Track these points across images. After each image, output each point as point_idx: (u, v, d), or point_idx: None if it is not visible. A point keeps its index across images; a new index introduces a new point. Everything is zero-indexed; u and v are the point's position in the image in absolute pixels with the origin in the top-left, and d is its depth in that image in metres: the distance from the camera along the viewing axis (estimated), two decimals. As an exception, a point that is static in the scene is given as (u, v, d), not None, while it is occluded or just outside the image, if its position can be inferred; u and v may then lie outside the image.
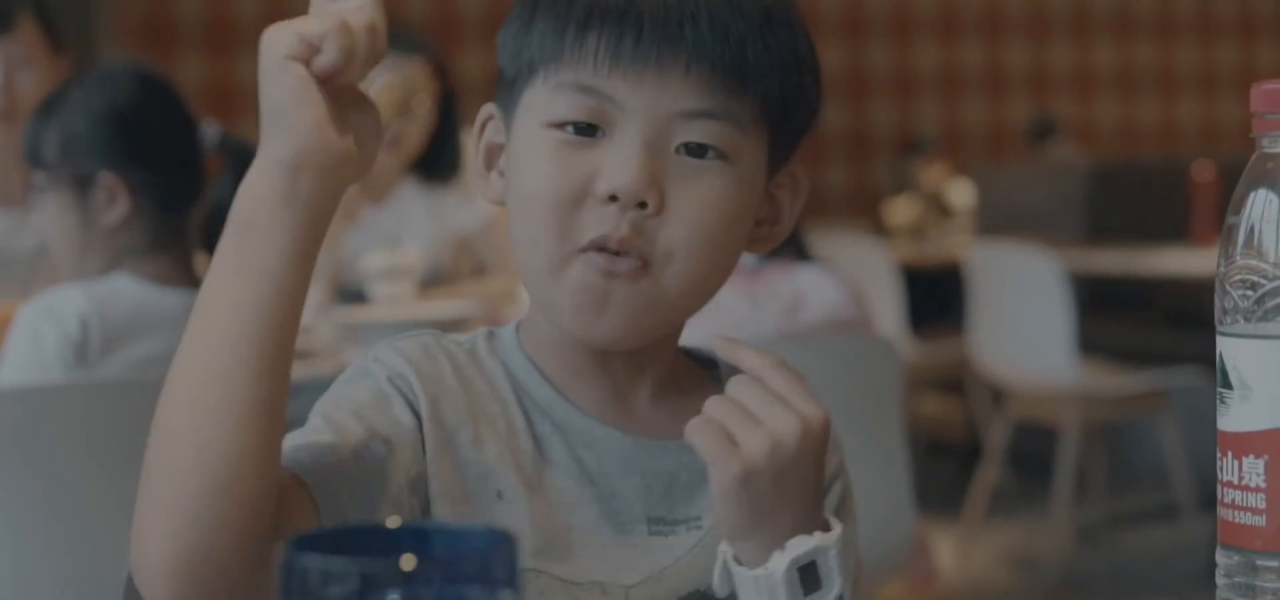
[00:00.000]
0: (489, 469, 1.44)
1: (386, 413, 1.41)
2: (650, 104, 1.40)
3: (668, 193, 1.41)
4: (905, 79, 10.82)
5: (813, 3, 10.43)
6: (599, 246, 1.40)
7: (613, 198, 1.39)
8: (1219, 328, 1.18)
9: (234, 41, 9.13)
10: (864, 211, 9.77)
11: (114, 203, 2.66)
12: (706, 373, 1.59)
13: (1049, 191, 7.88)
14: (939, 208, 9.07)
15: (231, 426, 1.23)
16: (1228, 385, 1.17)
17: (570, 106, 1.41)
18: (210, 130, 2.79)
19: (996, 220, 7.91)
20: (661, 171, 1.41)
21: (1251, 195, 1.17)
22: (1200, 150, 8.01)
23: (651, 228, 1.41)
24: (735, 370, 1.49)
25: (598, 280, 1.40)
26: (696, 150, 1.42)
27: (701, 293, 1.47)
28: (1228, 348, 1.17)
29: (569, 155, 1.41)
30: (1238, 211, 1.17)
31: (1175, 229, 6.77)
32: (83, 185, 2.67)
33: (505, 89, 1.50)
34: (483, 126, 1.55)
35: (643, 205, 1.39)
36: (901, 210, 9.10)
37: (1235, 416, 1.17)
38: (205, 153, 2.79)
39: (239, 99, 8.97)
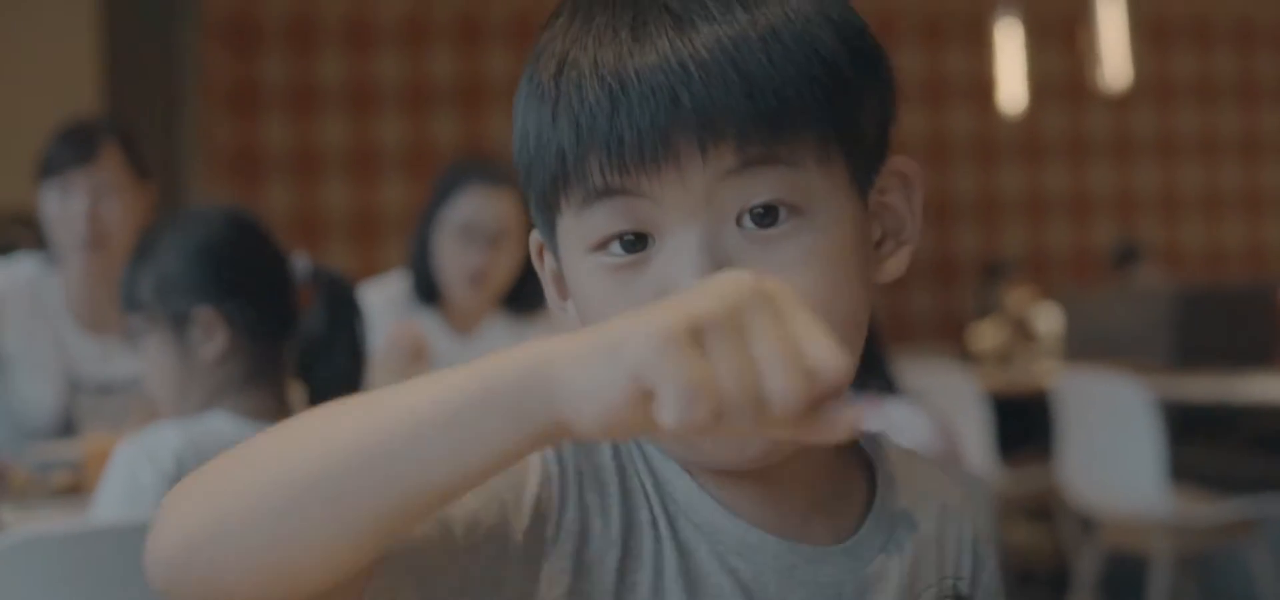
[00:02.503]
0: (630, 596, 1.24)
1: (512, 501, 1.19)
2: (684, 193, 1.19)
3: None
4: (989, 203, 10.81)
5: (897, 132, 10.44)
6: None
7: None
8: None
9: (319, 169, 9.23)
10: (950, 337, 9.74)
11: (211, 337, 2.68)
12: (863, 462, 1.39)
13: (1135, 317, 7.84)
14: (1025, 333, 9.03)
15: (338, 530, 1.02)
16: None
17: (603, 219, 1.22)
18: (301, 262, 2.82)
19: (1083, 345, 7.87)
20: (734, 259, 1.20)
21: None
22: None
23: None
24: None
25: None
26: (763, 216, 1.20)
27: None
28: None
29: (626, 281, 1.22)
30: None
31: (1263, 353, 6.72)
32: (180, 323, 2.70)
33: (537, 216, 1.31)
34: (540, 257, 1.37)
35: None
36: (987, 335, 9.08)
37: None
38: (297, 284, 2.81)
39: (323, 226, 9.06)
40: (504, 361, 0.98)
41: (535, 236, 1.36)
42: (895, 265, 1.32)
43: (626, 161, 1.19)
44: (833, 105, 1.22)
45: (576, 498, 1.23)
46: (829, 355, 0.92)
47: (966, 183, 10.76)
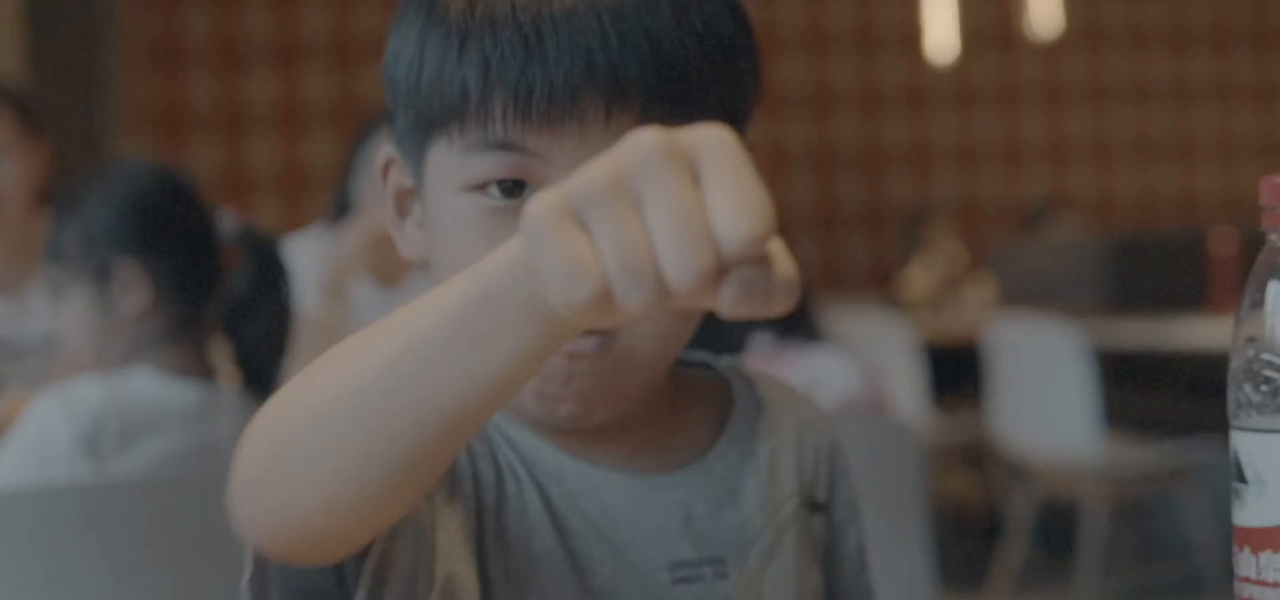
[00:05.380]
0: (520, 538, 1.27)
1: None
2: (577, 155, 1.18)
3: None
4: (920, 152, 10.82)
5: (827, 81, 10.45)
6: None
7: None
8: (1233, 422, 1.16)
9: (246, 126, 9.16)
10: (881, 285, 9.75)
11: (133, 290, 2.66)
12: (705, 377, 1.43)
13: (1068, 263, 7.87)
14: (955, 278, 9.05)
15: (372, 468, 0.99)
16: (1242, 479, 1.15)
17: (489, 166, 1.22)
18: (229, 221, 2.79)
19: (1016, 292, 7.89)
20: None
21: (1263, 288, 1.15)
22: (1220, 216, 8.00)
23: None
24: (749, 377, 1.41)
25: (560, 362, 1.24)
26: None
27: (678, 343, 1.30)
28: (1242, 442, 1.15)
29: (500, 224, 1.21)
30: (1250, 305, 1.16)
31: (1195, 298, 6.75)
32: (102, 276, 2.67)
33: (403, 134, 1.30)
34: (386, 170, 1.36)
35: None
36: (917, 281, 9.09)
37: (1252, 511, 1.15)
38: (223, 243, 2.79)
39: (250, 182, 9.00)
40: (494, 261, 0.92)
41: (385, 153, 1.36)
42: None
43: (532, 114, 1.20)
44: (726, 88, 1.25)
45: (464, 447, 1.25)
46: (739, 219, 0.82)
47: (897, 131, 10.75)
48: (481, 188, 1.23)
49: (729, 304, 0.83)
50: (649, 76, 1.20)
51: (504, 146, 1.21)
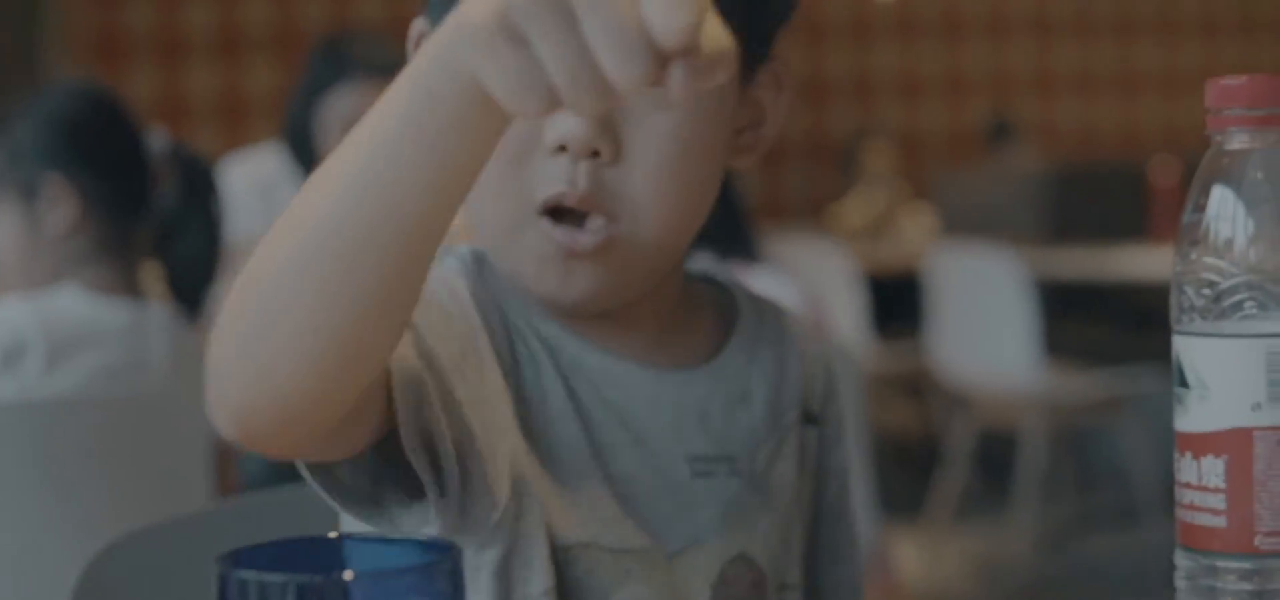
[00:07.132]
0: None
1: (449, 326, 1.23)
2: None
3: (624, 133, 1.24)
4: (863, 83, 10.82)
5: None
6: (556, 206, 1.24)
7: (562, 148, 1.23)
8: (1176, 327, 1.16)
9: (184, 54, 9.10)
10: (823, 215, 9.76)
11: (60, 207, 2.64)
12: (716, 294, 1.44)
13: (1009, 194, 7.89)
14: (894, 208, 9.08)
15: (359, 302, 1.00)
16: (1185, 385, 1.15)
17: None
18: (158, 139, 2.76)
19: (957, 223, 7.91)
20: (615, 109, 1.22)
21: (1207, 192, 1.15)
22: (1162, 148, 8.03)
23: (612, 179, 1.24)
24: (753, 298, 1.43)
25: (555, 254, 1.25)
26: None
27: (684, 233, 1.32)
28: (1185, 347, 1.15)
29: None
30: (1194, 209, 1.15)
31: (1135, 229, 6.78)
32: (29, 193, 2.65)
33: (438, 4, 1.27)
34: (416, 45, 1.32)
35: (596, 153, 1.23)
36: (857, 211, 9.11)
37: (1193, 417, 1.15)
38: (153, 161, 2.76)
39: (188, 110, 8.94)
40: (427, 59, 0.94)
41: (418, 26, 1.34)
42: (749, 156, 1.38)
43: None
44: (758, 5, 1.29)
45: (483, 321, 1.28)
46: (670, 15, 0.85)
47: (840, 62, 10.75)
48: None
49: (677, 91, 0.87)
50: None
51: None
